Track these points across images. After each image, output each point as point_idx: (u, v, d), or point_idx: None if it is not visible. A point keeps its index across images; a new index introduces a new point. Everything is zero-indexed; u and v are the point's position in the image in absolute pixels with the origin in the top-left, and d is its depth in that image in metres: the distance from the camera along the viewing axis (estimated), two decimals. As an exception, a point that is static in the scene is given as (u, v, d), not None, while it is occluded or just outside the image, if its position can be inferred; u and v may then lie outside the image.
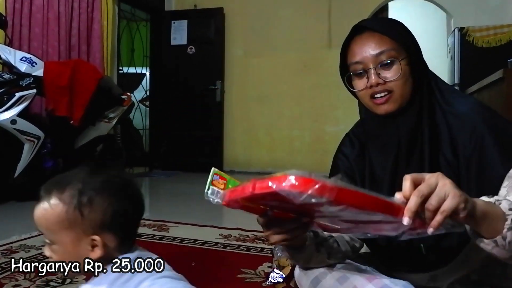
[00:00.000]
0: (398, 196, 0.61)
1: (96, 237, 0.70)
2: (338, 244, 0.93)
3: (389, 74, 0.86)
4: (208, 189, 0.72)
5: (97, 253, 0.70)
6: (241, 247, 1.92)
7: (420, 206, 0.59)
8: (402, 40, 0.88)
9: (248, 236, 2.09)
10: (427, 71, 0.93)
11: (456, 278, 0.93)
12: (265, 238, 0.75)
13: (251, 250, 1.88)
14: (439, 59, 5.64)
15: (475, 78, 3.43)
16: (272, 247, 1.84)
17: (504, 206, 0.69)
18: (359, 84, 0.91)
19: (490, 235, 0.67)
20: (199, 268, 1.65)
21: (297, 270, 1.00)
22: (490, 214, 0.66)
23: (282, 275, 1.49)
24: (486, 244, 0.67)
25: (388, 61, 0.86)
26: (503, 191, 0.79)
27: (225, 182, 0.75)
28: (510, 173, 0.80)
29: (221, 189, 0.73)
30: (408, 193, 0.60)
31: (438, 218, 0.59)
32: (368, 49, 0.87)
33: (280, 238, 0.73)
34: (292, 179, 0.49)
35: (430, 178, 0.61)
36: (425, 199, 0.60)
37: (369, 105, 0.91)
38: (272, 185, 0.50)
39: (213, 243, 1.98)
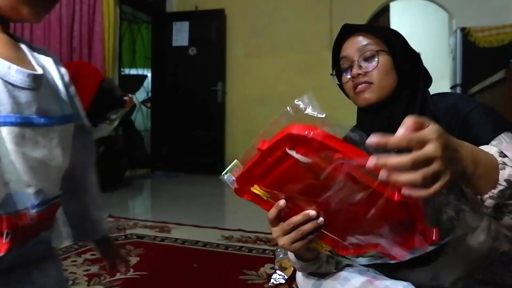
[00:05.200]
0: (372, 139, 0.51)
1: None
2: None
3: (370, 66, 0.91)
4: (226, 174, 0.73)
5: None
6: (243, 249, 1.92)
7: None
8: (387, 38, 0.92)
9: (250, 237, 2.09)
10: (427, 76, 0.95)
11: (459, 277, 0.93)
12: (274, 238, 0.74)
13: (253, 252, 1.88)
14: (441, 59, 5.63)
15: (477, 79, 3.42)
16: (274, 248, 1.84)
17: (494, 151, 0.65)
18: (345, 78, 0.96)
19: (487, 185, 0.62)
20: (201, 270, 1.65)
21: (299, 272, 1.00)
22: (483, 159, 0.62)
23: (284, 276, 1.49)
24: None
25: (370, 54, 0.91)
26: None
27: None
28: (492, 142, 0.78)
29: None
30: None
31: (437, 186, 0.51)
32: (354, 45, 0.94)
33: (289, 240, 0.71)
34: (294, 127, 0.55)
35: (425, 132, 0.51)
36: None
37: (353, 97, 0.96)
38: (281, 131, 0.56)
39: (215, 245, 1.98)
